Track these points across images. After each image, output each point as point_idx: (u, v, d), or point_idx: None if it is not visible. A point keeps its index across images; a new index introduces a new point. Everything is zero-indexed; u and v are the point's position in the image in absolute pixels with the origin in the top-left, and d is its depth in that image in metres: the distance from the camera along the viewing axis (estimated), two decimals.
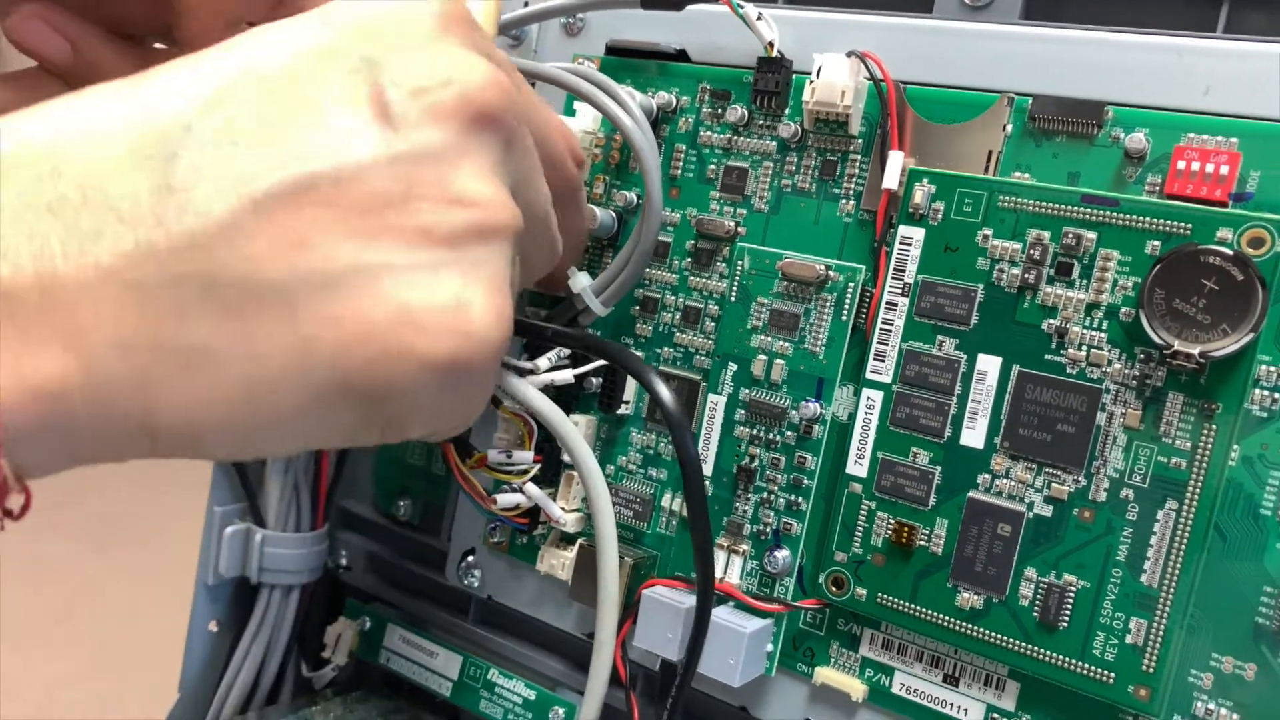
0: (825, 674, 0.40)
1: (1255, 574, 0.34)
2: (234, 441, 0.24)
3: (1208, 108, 0.34)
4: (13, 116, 0.22)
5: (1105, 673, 0.35)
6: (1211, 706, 0.34)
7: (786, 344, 0.41)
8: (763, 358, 0.41)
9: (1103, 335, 0.35)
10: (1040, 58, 0.37)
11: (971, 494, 0.37)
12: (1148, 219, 0.34)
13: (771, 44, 0.40)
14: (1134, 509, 0.35)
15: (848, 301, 0.39)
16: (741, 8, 0.40)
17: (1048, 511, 0.36)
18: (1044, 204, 0.36)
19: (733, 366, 0.42)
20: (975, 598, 0.37)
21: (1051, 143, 0.37)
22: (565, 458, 0.45)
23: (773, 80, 0.41)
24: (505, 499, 0.43)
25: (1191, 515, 0.34)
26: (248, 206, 0.23)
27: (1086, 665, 0.35)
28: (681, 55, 0.44)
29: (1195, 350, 0.33)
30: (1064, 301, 0.35)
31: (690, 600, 0.40)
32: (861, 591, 0.39)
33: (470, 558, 0.50)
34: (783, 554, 0.41)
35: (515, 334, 0.32)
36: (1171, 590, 0.34)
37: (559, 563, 0.46)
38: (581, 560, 0.45)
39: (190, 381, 0.22)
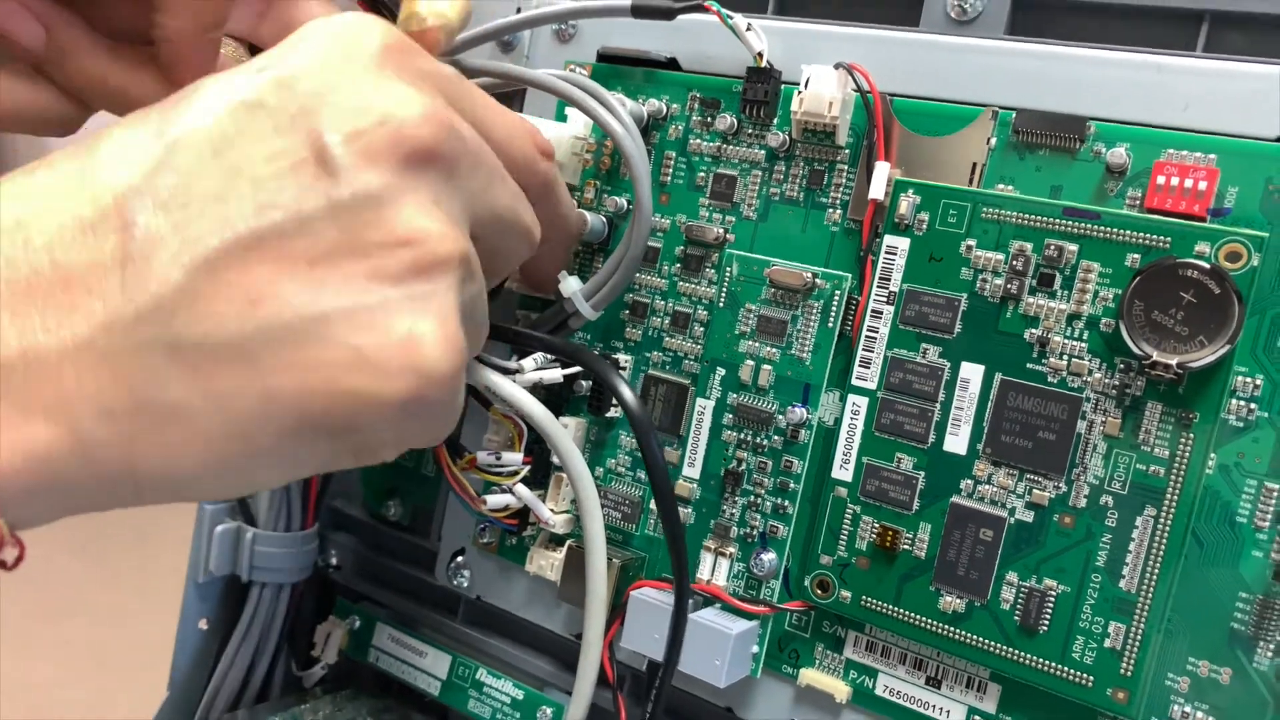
0: (810, 675, 0.41)
1: (1231, 580, 0.34)
2: (215, 485, 0.26)
3: (1187, 124, 0.35)
4: None
5: (1084, 676, 0.36)
6: (1188, 710, 0.35)
7: (774, 350, 0.41)
8: (750, 363, 0.42)
9: (1083, 345, 0.36)
10: (1024, 73, 0.38)
11: (954, 499, 0.38)
12: (1128, 232, 0.35)
13: (761, 54, 0.41)
14: (1113, 515, 0.35)
15: (834, 309, 0.40)
16: (731, 18, 0.41)
17: (1029, 517, 0.37)
18: (1027, 216, 0.36)
19: (721, 371, 0.42)
20: (957, 601, 0.38)
21: (1035, 156, 0.37)
22: (555, 459, 0.45)
23: (762, 90, 0.41)
24: (495, 500, 0.43)
25: (1169, 522, 0.35)
26: (201, 269, 0.24)
27: (1066, 668, 0.36)
28: (672, 64, 0.45)
29: (1173, 361, 0.33)
30: (1045, 312, 0.36)
31: None
32: (846, 594, 0.40)
33: (460, 558, 0.51)
34: (769, 556, 0.42)
35: (489, 337, 0.33)
36: (1149, 595, 0.35)
37: (548, 564, 0.46)
38: (570, 561, 0.45)
39: (168, 438, 0.24)
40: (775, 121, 0.42)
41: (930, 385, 0.38)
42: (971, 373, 0.37)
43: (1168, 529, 0.35)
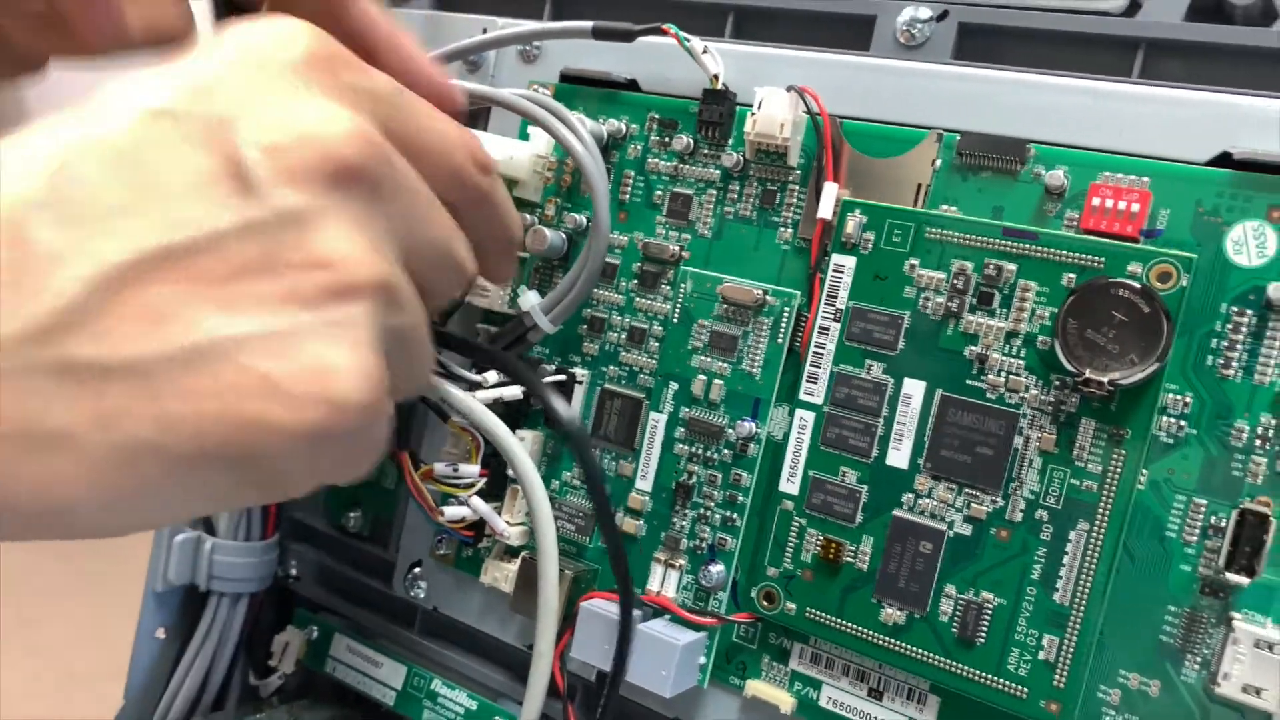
0: (756, 686, 0.42)
1: (1160, 594, 0.35)
2: (103, 519, 0.24)
3: (1122, 148, 0.36)
4: None
5: (1019, 688, 0.36)
6: None
7: (725, 365, 0.42)
8: (702, 378, 0.42)
9: (1020, 362, 0.37)
10: (969, 96, 0.39)
11: (896, 512, 0.38)
12: (1064, 252, 0.36)
13: (716, 76, 0.42)
14: (1048, 529, 0.36)
15: (783, 325, 0.41)
16: (688, 40, 0.42)
17: (967, 530, 0.37)
18: (967, 236, 0.37)
19: (674, 386, 0.43)
20: (898, 613, 0.38)
21: (978, 177, 0.38)
22: (510, 472, 0.46)
23: (717, 111, 0.42)
24: (452, 511, 0.44)
25: (1102, 536, 0.35)
26: (100, 286, 0.22)
27: (1002, 680, 0.36)
28: (632, 85, 0.46)
29: (1105, 378, 0.34)
30: (985, 329, 0.37)
31: None
32: (791, 606, 0.40)
33: (417, 569, 0.51)
34: (717, 569, 0.42)
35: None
36: (1082, 608, 0.35)
37: (502, 575, 0.47)
38: (524, 573, 0.46)
39: (51, 465, 0.22)
40: (730, 142, 0.43)
41: (874, 400, 0.39)
42: (913, 389, 0.38)
43: (1100, 543, 0.35)
